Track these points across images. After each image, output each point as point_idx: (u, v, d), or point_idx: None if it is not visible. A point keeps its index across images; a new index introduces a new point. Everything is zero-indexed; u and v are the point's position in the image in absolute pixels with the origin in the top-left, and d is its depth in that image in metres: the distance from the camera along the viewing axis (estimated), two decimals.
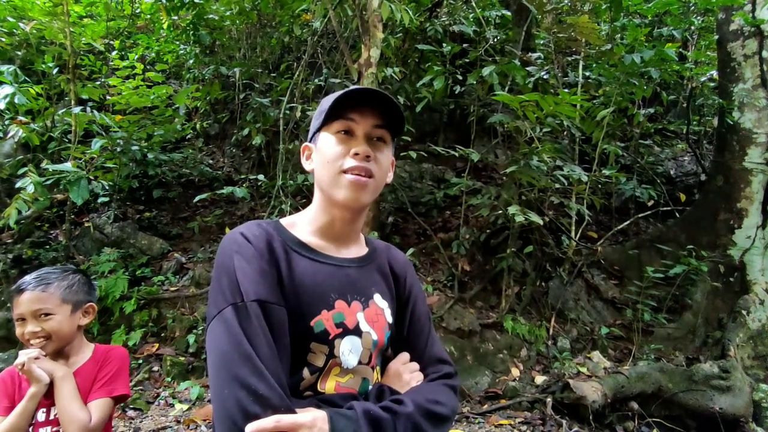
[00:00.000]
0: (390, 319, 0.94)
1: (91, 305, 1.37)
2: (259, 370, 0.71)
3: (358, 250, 0.98)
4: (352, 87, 0.88)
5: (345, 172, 0.87)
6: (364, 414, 0.75)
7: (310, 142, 0.97)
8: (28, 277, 1.28)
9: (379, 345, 0.90)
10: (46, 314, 1.25)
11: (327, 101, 0.92)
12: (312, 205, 0.97)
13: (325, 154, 0.89)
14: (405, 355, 0.94)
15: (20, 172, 3.80)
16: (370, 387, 0.88)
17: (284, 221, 0.95)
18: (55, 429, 1.25)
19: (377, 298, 0.94)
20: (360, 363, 0.87)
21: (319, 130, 0.92)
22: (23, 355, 1.20)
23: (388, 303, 0.96)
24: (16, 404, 1.23)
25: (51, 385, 1.23)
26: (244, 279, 0.79)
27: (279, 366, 0.76)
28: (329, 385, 0.84)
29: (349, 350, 0.86)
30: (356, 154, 0.87)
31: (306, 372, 0.83)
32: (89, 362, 1.34)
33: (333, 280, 0.88)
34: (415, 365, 0.93)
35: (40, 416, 1.24)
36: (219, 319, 0.77)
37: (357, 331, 0.87)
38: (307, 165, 0.97)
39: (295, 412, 0.72)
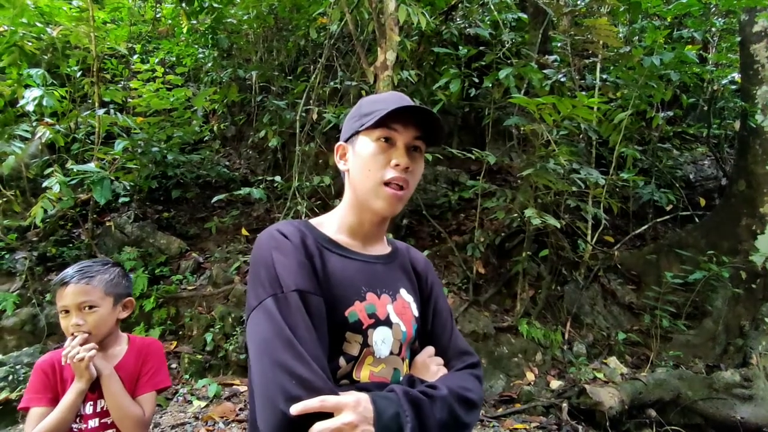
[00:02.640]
0: (416, 313, 0.98)
1: (130, 299, 1.40)
2: (301, 355, 0.74)
3: (382, 248, 1.03)
4: (406, 104, 0.89)
5: (386, 183, 0.90)
6: (404, 395, 0.78)
7: (345, 142, 0.99)
8: (70, 270, 1.31)
9: (407, 337, 0.94)
10: (91, 307, 1.28)
11: (370, 105, 0.95)
12: (342, 204, 1.00)
13: (366, 162, 0.92)
14: (430, 349, 0.98)
15: (45, 172, 3.93)
16: (401, 377, 0.91)
17: (313, 221, 0.99)
18: (103, 420, 1.28)
19: (403, 292, 0.97)
20: (391, 353, 0.90)
21: (357, 132, 0.95)
22: (81, 351, 1.22)
23: (413, 298, 0.99)
24: (59, 395, 1.26)
25: (95, 379, 1.26)
26: (283, 271, 0.82)
27: (320, 351, 0.78)
28: (364, 374, 0.87)
29: (382, 340, 0.89)
30: (397, 165, 0.90)
31: (342, 360, 0.86)
32: (128, 356, 1.37)
33: (362, 274, 0.92)
34: (440, 359, 0.97)
35: (88, 409, 1.28)
36: (260, 309, 0.80)
37: (388, 322, 0.91)
38: (341, 165, 1.00)
39: (338, 395, 0.74)
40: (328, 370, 0.78)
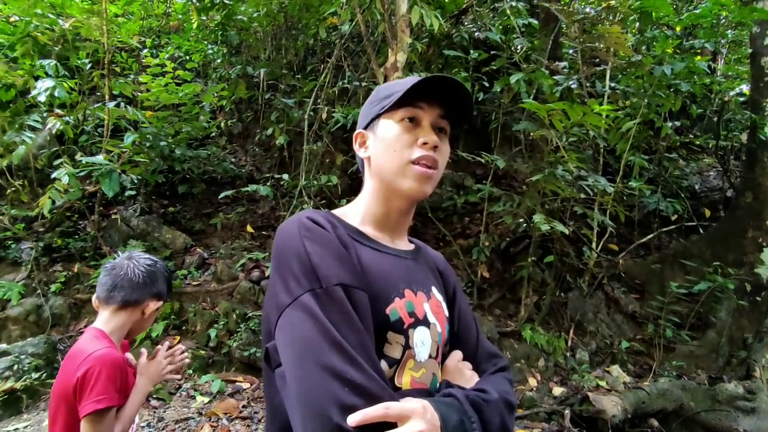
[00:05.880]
0: (447, 313, 0.92)
1: None
2: (352, 358, 0.65)
3: (407, 244, 0.96)
4: (426, 75, 0.83)
5: (413, 162, 0.83)
6: (466, 399, 0.74)
7: (365, 129, 0.92)
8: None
9: (443, 338, 0.88)
10: None
11: (388, 88, 0.89)
12: (364, 194, 0.92)
13: (391, 143, 0.85)
14: (458, 353, 0.92)
15: (54, 164, 3.93)
16: (438, 383, 0.85)
17: (336, 212, 0.91)
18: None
19: (435, 291, 0.92)
20: (430, 356, 0.83)
21: (378, 116, 0.88)
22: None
23: (443, 297, 0.94)
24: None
25: None
26: (321, 263, 0.73)
27: (372, 353, 0.70)
28: (405, 380, 0.79)
29: (422, 342, 0.82)
30: (425, 143, 0.83)
31: (384, 365, 0.77)
32: None
33: (397, 269, 0.85)
34: (470, 364, 0.91)
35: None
36: (296, 306, 0.70)
37: (426, 322, 0.84)
38: (361, 152, 0.92)
39: (399, 401, 0.66)
40: (383, 374, 0.70)
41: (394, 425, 0.63)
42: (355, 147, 0.94)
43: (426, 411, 0.66)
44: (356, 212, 0.91)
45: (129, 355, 1.39)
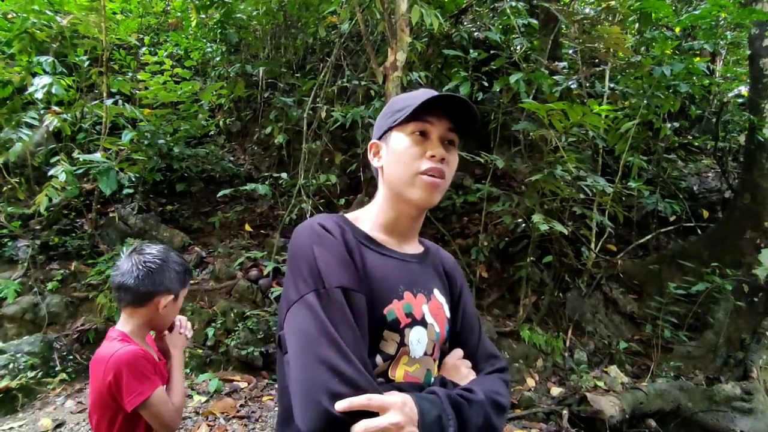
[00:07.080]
0: (448, 315, 0.98)
1: None
2: (345, 353, 0.73)
3: (416, 247, 1.02)
4: (436, 93, 0.90)
5: (421, 173, 0.89)
6: (447, 398, 0.80)
7: (378, 139, 0.99)
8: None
9: (440, 338, 0.94)
10: None
11: (402, 101, 0.95)
12: (376, 201, 0.99)
13: (401, 155, 0.91)
14: (459, 351, 0.98)
15: (51, 161, 3.90)
16: (433, 378, 0.91)
17: (349, 216, 0.98)
18: None
19: (437, 293, 0.97)
20: (425, 354, 0.90)
21: (390, 128, 0.94)
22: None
23: (445, 299, 0.99)
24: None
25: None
26: (325, 267, 0.81)
27: (363, 349, 0.78)
28: (399, 373, 0.87)
29: (417, 340, 0.89)
30: (432, 156, 0.89)
31: (379, 359, 0.85)
32: None
33: (400, 272, 0.91)
34: (469, 362, 0.96)
35: None
36: (301, 303, 0.79)
37: (423, 323, 0.90)
38: (375, 162, 0.99)
39: (382, 394, 0.74)
40: (371, 368, 0.79)
41: (377, 414, 0.71)
42: (370, 156, 1.00)
43: (405, 405, 0.73)
44: (369, 217, 0.98)
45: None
